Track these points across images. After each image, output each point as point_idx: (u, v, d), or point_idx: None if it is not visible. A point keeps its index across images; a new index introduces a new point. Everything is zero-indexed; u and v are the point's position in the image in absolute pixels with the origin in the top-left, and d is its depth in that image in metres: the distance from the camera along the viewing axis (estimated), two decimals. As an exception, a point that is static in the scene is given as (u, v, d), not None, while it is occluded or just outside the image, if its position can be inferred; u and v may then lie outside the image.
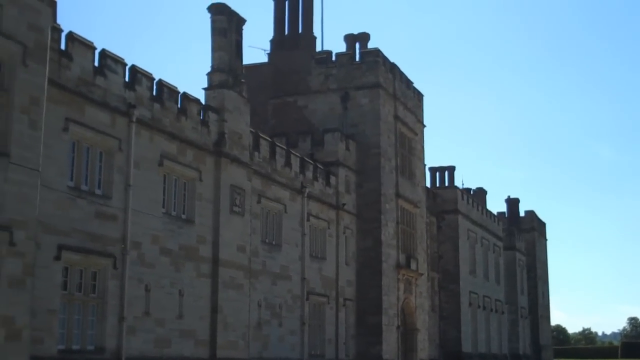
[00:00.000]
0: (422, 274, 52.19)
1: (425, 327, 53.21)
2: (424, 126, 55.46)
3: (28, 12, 21.22)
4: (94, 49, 26.21)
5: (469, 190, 75.37)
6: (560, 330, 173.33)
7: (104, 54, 26.74)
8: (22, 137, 20.80)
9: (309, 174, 41.10)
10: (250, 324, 34.29)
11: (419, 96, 55.02)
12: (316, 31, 52.17)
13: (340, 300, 43.34)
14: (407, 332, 49.89)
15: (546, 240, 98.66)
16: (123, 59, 27.59)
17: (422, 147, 54.90)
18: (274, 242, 37.54)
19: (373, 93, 47.36)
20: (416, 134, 53.18)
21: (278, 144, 38.91)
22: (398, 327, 47.39)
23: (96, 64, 26.35)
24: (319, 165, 42.57)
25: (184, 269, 30.28)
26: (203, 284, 31.37)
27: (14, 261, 20.29)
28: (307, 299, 39.76)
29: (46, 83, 21.98)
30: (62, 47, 24.84)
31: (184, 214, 30.87)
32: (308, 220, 40.28)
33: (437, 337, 59.30)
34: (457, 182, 70.25)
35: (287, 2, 52.33)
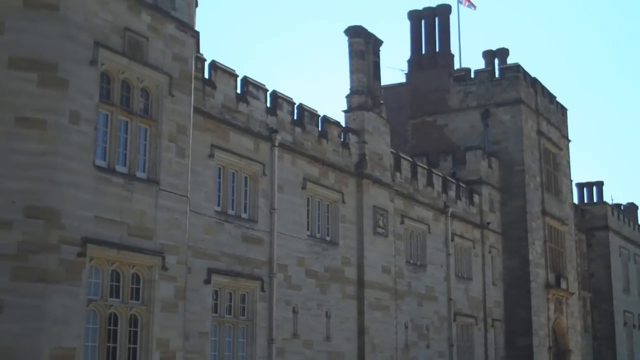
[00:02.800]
0: (572, 294, 50.54)
1: (579, 348, 51.40)
2: (569, 141, 53.96)
3: (173, 43, 21.86)
4: (236, 76, 26.81)
5: (619, 205, 72.54)
6: None
7: (245, 81, 27.31)
8: (170, 164, 21.37)
9: (452, 193, 40.59)
10: (398, 345, 34.03)
11: (562, 110, 53.62)
12: (453, 49, 51.81)
13: (489, 321, 42.45)
14: (560, 354, 48.29)
15: None
16: (264, 85, 28.08)
17: (568, 162, 53.38)
18: (418, 263, 37.20)
19: (515, 109, 46.50)
20: (561, 149, 51.79)
21: (419, 164, 38.64)
22: (550, 348, 45.98)
23: (238, 91, 26.92)
24: (462, 184, 42.00)
25: (330, 291, 30.37)
26: (349, 306, 31.37)
27: (167, 285, 20.77)
28: (455, 320, 39.12)
29: (192, 111, 22.52)
30: (206, 76, 25.52)
31: (327, 236, 31.01)
32: (452, 240, 39.74)
33: (591, 358, 57.23)
34: (606, 198, 67.72)
35: (423, 22, 52.24)
